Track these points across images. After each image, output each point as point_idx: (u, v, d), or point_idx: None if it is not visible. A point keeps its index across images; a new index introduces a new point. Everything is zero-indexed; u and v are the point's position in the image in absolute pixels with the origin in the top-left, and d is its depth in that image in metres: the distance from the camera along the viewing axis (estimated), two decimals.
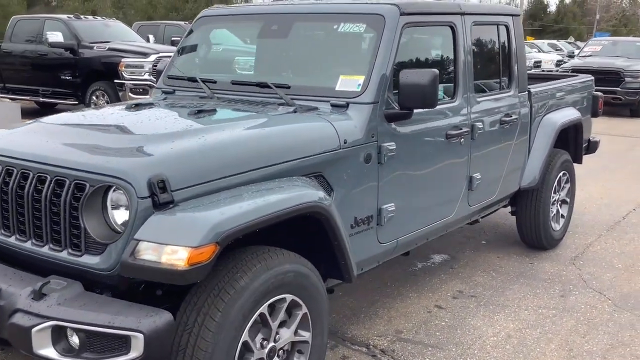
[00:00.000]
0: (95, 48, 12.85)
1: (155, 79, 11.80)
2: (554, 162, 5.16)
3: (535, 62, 26.22)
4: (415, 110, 3.52)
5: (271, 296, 2.58)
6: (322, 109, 3.29)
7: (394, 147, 3.39)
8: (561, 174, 5.33)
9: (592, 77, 6.15)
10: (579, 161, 5.82)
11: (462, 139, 3.97)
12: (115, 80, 12.34)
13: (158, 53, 12.44)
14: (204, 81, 3.78)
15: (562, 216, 5.54)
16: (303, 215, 2.76)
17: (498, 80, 4.52)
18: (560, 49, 35.40)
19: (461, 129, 3.93)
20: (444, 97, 3.89)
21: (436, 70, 3.25)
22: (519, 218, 5.26)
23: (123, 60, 12.32)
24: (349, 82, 3.37)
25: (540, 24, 70.69)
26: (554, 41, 40.20)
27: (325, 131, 3.08)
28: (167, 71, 4.15)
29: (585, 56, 17.67)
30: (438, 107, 3.74)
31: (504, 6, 4.41)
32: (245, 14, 4.14)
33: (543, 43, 36.92)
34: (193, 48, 4.23)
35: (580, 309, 4.23)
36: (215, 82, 3.81)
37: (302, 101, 3.38)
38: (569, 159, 5.41)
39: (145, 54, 12.47)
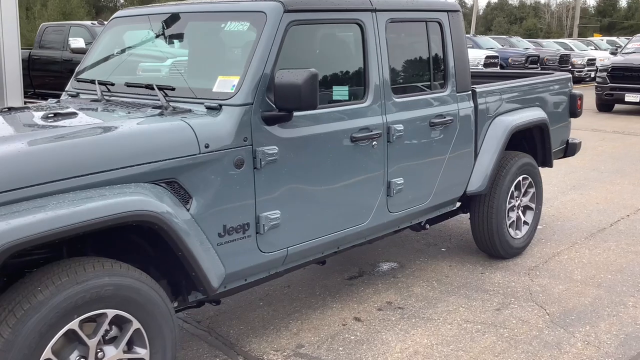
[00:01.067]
0: None
1: None
2: (509, 165, 4.86)
3: (588, 60, 25.38)
4: (310, 112, 3.35)
5: (83, 311, 2.45)
6: (196, 111, 3.15)
7: (275, 152, 3.22)
8: (520, 178, 5.01)
9: (569, 76, 5.78)
10: (548, 164, 5.48)
11: (375, 142, 3.75)
12: None
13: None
14: (100, 83, 3.70)
15: (526, 223, 5.21)
16: (137, 224, 2.63)
17: (428, 80, 4.27)
18: (620, 46, 34.10)
19: (371, 131, 3.71)
20: (350, 99, 3.68)
21: (314, 70, 3.06)
22: (472, 224, 4.97)
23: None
24: (225, 83, 3.22)
25: (609, 21, 68.36)
26: (614, 38, 38.74)
27: (182, 135, 2.93)
28: (76, 74, 4.09)
29: (627, 53, 16.87)
30: (341, 108, 3.56)
31: (437, 1, 4.10)
32: (150, 14, 4.03)
33: (602, 40, 35.69)
34: (104, 50, 4.15)
35: (510, 324, 3.93)
36: (113, 84, 3.72)
37: (183, 103, 3.25)
38: (530, 163, 5.09)
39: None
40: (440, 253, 5.28)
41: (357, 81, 3.76)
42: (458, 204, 4.90)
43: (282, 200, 3.31)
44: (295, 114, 3.29)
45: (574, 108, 5.75)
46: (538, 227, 5.85)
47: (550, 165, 5.48)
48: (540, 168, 5.39)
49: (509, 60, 22.93)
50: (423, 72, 4.26)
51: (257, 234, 3.22)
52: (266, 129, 3.19)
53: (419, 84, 4.24)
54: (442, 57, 4.33)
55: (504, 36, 32.25)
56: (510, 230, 5.02)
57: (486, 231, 4.88)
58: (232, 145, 3.06)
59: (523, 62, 22.80)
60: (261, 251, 3.26)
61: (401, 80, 4.06)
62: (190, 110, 3.16)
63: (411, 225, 4.55)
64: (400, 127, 3.91)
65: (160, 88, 3.38)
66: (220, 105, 3.13)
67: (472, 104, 4.55)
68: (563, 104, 5.65)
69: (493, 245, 4.92)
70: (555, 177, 7.98)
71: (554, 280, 4.66)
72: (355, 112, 3.67)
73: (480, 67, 18.52)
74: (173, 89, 3.38)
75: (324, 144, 3.48)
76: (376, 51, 3.77)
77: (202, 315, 4.07)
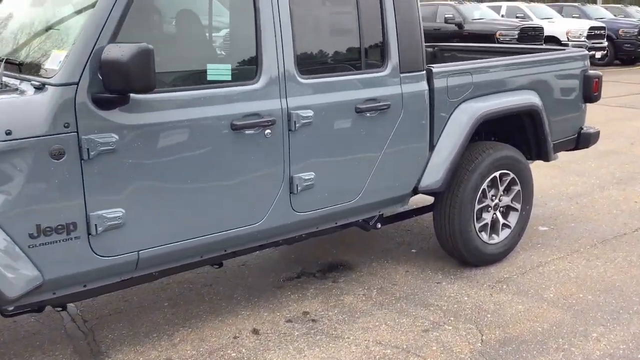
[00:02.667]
0: None
1: None
2: (479, 159, 4.13)
3: None
4: (170, 95, 2.89)
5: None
6: (25, 90, 2.75)
7: (113, 140, 2.77)
8: (497, 174, 4.26)
9: (584, 52, 4.89)
10: (544, 157, 4.66)
11: (269, 131, 3.21)
12: None
13: None
14: None
15: (507, 226, 4.46)
16: None
17: (356, 56, 3.63)
18: None
19: (262, 117, 3.17)
20: (235, 79, 3.14)
21: (145, 45, 2.58)
22: (435, 226, 4.31)
23: None
24: (55, 58, 2.79)
25: None
26: None
27: None
28: None
29: None
30: (217, 90, 3.06)
31: None
32: None
33: None
34: None
35: (428, 351, 3.30)
36: None
37: (24, 81, 2.85)
38: (512, 156, 4.32)
39: None
40: (407, 254, 4.65)
41: (247, 57, 3.22)
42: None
43: (127, 198, 2.86)
44: (150, 96, 2.83)
45: (589, 92, 4.86)
46: (542, 228, 5.08)
47: (547, 159, 4.66)
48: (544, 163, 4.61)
49: (619, 32, 20.85)
50: (348, 47, 3.63)
51: (89, 236, 2.79)
52: (99, 114, 2.74)
53: (343, 62, 3.61)
54: (379, 27, 3.67)
55: (620, 5, 29.60)
56: (482, 234, 4.30)
57: (448, 234, 4.21)
58: (46, 133, 2.63)
59: (636, 34, 20.61)
60: (97, 255, 2.84)
61: (314, 56, 3.47)
62: (17, 89, 2.76)
63: (356, 224, 3.97)
64: (308, 113, 3.33)
65: (8, 62, 3.00)
66: (44, 85, 2.70)
67: (425, 87, 3.86)
68: (573, 87, 4.78)
69: (457, 251, 4.24)
70: (604, 168, 7.01)
71: (518, 297, 3.93)
72: (240, 95, 3.13)
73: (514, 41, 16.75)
74: (21, 64, 2.99)
75: (189, 132, 2.99)
76: (273, 18, 3.20)
77: (95, 314, 3.72)
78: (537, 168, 5.40)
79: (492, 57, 4.64)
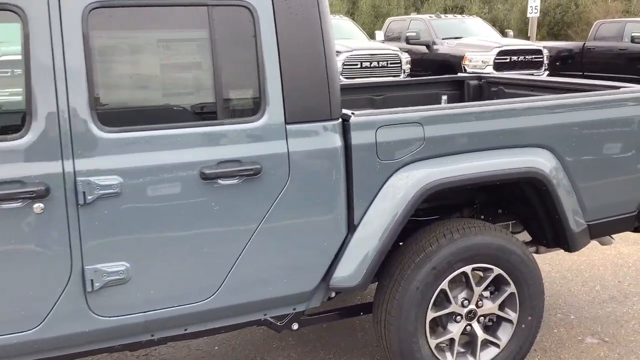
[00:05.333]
0: None
1: (345, 79, 11.11)
2: (432, 247, 2.86)
3: None
4: None
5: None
6: None
7: None
8: (468, 269, 2.93)
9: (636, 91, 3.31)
10: (565, 245, 3.18)
11: (39, 205, 2.31)
12: None
13: (351, 51, 11.47)
14: None
15: (494, 344, 3.07)
16: None
17: (208, 101, 2.57)
18: None
19: (27, 186, 2.28)
20: None
21: None
22: (375, 335, 3.07)
23: None
24: None
25: None
26: None
27: None
28: None
29: None
30: None
31: None
32: None
33: None
34: None
35: None
36: None
37: None
38: (493, 244, 2.95)
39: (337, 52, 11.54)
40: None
41: (11, 101, 2.35)
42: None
43: None
44: None
45: None
46: (590, 341, 3.56)
47: (570, 247, 3.17)
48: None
49: None
50: (192, 87, 2.58)
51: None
52: None
53: (182, 108, 2.58)
54: (248, 59, 2.58)
55: None
56: (446, 355, 2.98)
57: (387, 351, 2.96)
58: None
59: None
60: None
61: (127, 100, 2.49)
62: None
63: (256, 323, 2.90)
64: (110, 180, 2.38)
65: None
66: None
67: (335, 143, 2.69)
68: (624, 143, 3.24)
69: None
70: None
71: None
72: None
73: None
74: None
75: None
76: (50, 44, 2.29)
77: None
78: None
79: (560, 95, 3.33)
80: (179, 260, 2.53)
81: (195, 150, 2.49)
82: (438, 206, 3.30)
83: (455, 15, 15.77)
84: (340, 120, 2.72)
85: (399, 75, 11.59)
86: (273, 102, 2.59)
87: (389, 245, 2.79)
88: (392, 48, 11.92)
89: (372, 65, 11.41)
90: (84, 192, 2.34)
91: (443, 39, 13.11)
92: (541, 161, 2.96)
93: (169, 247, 2.51)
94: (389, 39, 14.29)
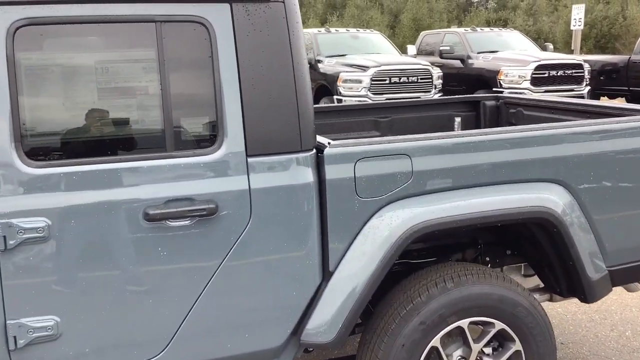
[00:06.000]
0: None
1: (372, 95, 10.77)
2: (420, 298, 2.47)
3: None
4: None
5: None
6: None
7: None
8: (464, 323, 2.53)
9: None
10: (581, 295, 2.76)
11: None
12: (335, 97, 11.47)
13: (379, 66, 11.12)
14: None
15: None
16: None
17: (156, 131, 2.24)
18: None
19: None
20: None
21: None
22: None
23: (341, 74, 11.37)
24: None
25: None
26: None
27: None
28: None
29: None
30: None
31: None
32: None
33: None
34: None
35: None
36: None
37: None
38: (493, 295, 2.54)
39: (365, 67, 11.26)
40: None
41: None
42: None
43: None
44: None
45: None
46: None
47: (586, 297, 2.74)
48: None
49: None
50: (137, 116, 2.25)
51: None
52: None
53: (125, 139, 2.26)
54: (207, 88, 2.26)
55: None
56: None
57: None
58: None
59: None
60: None
61: (63, 131, 2.19)
62: None
63: None
64: (36, 222, 2.08)
65: None
66: None
67: (307, 178, 2.34)
68: None
69: None
70: None
71: None
72: None
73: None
74: None
75: None
76: None
77: None
78: None
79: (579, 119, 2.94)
80: (118, 313, 2.20)
81: (138, 187, 2.17)
82: (435, 246, 2.91)
83: (491, 28, 15.24)
84: (313, 151, 2.37)
85: (429, 92, 11.18)
86: (232, 132, 2.25)
87: (369, 295, 2.41)
88: (423, 63, 11.51)
89: (401, 81, 11.02)
90: (4, 237, 2.04)
91: (478, 52, 12.63)
92: (552, 199, 2.55)
93: (107, 299, 2.18)
94: (422, 53, 13.89)
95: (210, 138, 2.26)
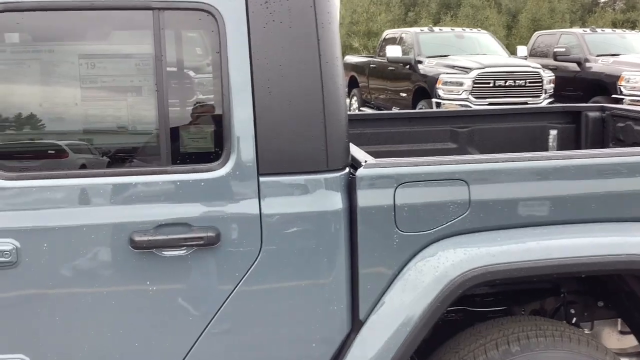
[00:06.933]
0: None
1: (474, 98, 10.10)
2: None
3: None
4: None
5: None
6: None
7: None
8: None
9: None
10: None
11: None
12: (434, 100, 10.86)
13: (483, 68, 10.42)
14: None
15: None
16: None
17: (150, 143, 1.87)
18: None
19: None
20: None
21: None
22: None
23: (441, 76, 10.74)
24: None
25: None
26: None
27: None
28: None
29: None
30: None
31: None
32: None
33: None
34: None
35: None
36: None
37: None
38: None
39: (467, 69, 10.57)
40: None
41: None
42: None
43: None
44: None
45: None
46: None
47: None
48: None
49: None
50: (129, 123, 1.88)
51: None
52: None
53: (116, 148, 1.89)
54: (213, 90, 1.86)
55: None
56: None
57: None
58: None
59: None
60: None
61: (42, 136, 1.86)
62: None
63: None
64: (4, 244, 1.75)
65: None
66: None
67: (336, 205, 1.89)
68: None
69: None
70: None
71: None
72: None
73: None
74: None
75: None
76: None
77: None
78: None
79: None
80: (96, 357, 1.84)
81: (125, 208, 1.80)
82: (506, 291, 2.36)
83: (614, 29, 13.99)
84: (344, 171, 1.91)
85: (539, 97, 10.31)
86: (241, 144, 1.83)
87: (409, 352, 1.93)
88: (533, 65, 10.64)
89: (507, 84, 10.23)
90: None
91: (597, 55, 11.55)
92: None
93: (84, 340, 1.83)
94: (535, 54, 12.92)
95: (215, 151, 1.85)
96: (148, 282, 1.82)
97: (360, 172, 1.89)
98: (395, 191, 1.89)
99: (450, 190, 1.91)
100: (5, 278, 1.76)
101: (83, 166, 1.82)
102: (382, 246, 1.90)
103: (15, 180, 1.75)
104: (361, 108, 13.44)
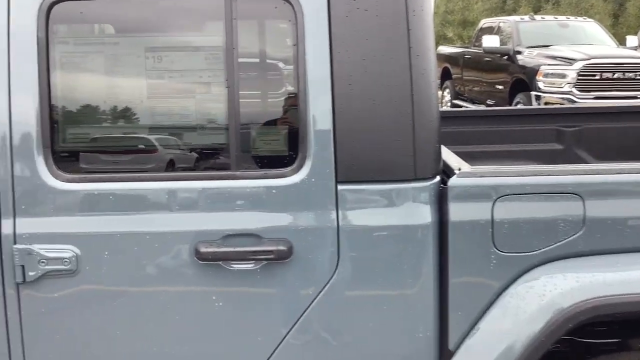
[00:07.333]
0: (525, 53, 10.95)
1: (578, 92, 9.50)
2: None
3: None
4: None
5: None
6: None
7: None
8: None
9: None
10: None
11: None
12: (533, 93, 10.31)
13: (589, 59, 9.78)
14: None
15: None
16: None
17: (219, 146, 1.69)
18: None
19: None
20: None
21: None
22: None
23: (542, 67, 10.17)
24: None
25: None
26: None
27: None
28: None
29: None
30: None
31: None
32: None
33: None
34: None
35: None
36: None
37: None
38: None
39: (571, 60, 9.96)
40: None
41: None
42: None
43: None
44: None
45: None
46: None
47: None
48: None
49: None
50: (197, 123, 1.70)
51: None
52: None
53: (183, 151, 1.73)
54: (288, 88, 1.66)
55: None
56: None
57: None
58: None
59: None
60: None
61: (103, 139, 1.72)
62: None
63: None
64: (63, 251, 1.64)
65: None
66: None
67: (424, 218, 1.66)
68: None
69: None
70: None
71: None
72: None
73: None
74: None
75: None
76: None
77: None
78: None
79: None
80: None
81: (190, 216, 1.64)
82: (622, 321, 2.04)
83: None
84: (435, 180, 1.67)
85: None
86: (318, 149, 1.63)
87: None
88: None
89: (614, 77, 9.53)
90: (22, 266, 1.62)
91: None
92: None
93: (143, 355, 1.69)
94: None
95: (288, 156, 1.65)
96: (214, 297, 1.66)
97: (453, 181, 1.65)
98: (493, 205, 1.63)
99: (561, 205, 1.63)
100: (64, 287, 1.64)
101: (146, 169, 1.67)
102: (476, 268, 1.66)
103: (76, 182, 1.63)
104: (453, 101, 13.00)
